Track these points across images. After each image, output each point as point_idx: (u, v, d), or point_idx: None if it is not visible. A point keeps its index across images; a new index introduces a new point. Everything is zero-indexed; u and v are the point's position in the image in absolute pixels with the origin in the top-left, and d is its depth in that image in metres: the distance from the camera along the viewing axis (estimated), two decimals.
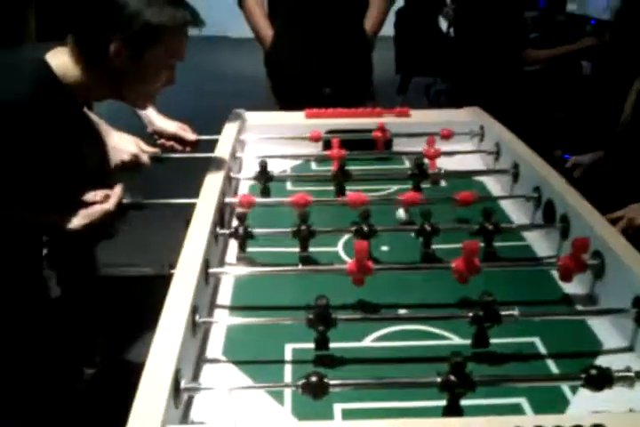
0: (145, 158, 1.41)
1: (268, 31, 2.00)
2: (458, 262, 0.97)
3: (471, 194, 1.22)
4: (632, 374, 0.76)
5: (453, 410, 0.74)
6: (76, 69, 1.08)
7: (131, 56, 1.06)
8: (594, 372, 0.76)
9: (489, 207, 1.15)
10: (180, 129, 1.53)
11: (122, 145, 1.39)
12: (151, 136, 1.54)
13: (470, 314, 0.86)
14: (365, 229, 1.10)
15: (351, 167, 1.39)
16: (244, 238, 1.11)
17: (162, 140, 1.51)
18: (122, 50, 1.05)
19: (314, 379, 0.74)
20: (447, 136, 1.58)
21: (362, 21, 2.00)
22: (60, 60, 1.07)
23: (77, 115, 1.17)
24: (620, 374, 0.76)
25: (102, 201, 1.14)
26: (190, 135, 1.53)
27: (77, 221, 1.11)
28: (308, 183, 1.43)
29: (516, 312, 0.87)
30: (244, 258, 1.12)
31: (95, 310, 1.76)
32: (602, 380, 0.75)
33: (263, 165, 1.35)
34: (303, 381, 0.75)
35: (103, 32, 1.04)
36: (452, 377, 0.73)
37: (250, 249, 1.13)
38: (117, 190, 1.16)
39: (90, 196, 1.16)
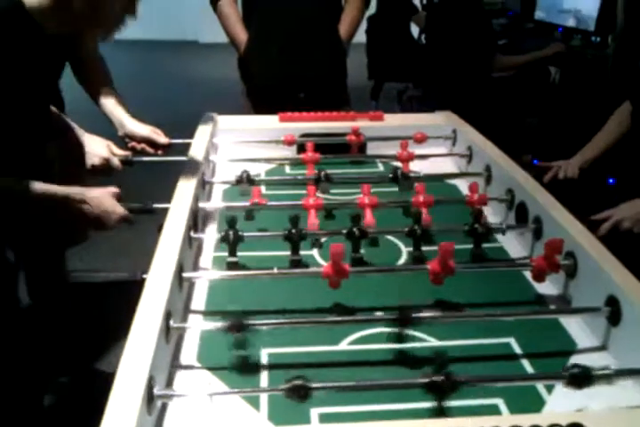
0: (116, 162, 1.38)
1: (242, 35, 1.99)
2: (433, 264, 0.97)
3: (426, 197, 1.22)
4: (611, 371, 0.76)
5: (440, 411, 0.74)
6: None
7: None
8: (575, 371, 0.76)
9: (477, 209, 1.16)
10: (152, 132, 1.50)
11: (93, 148, 1.37)
12: (122, 139, 1.51)
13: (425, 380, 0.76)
14: (357, 231, 1.09)
15: (333, 171, 1.38)
16: (235, 243, 1.09)
17: (133, 144, 1.49)
18: None
19: (298, 382, 0.73)
20: (421, 140, 1.59)
21: (336, 26, 2.00)
22: None
23: (45, 45, 1.13)
24: (600, 372, 0.76)
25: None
26: (162, 138, 1.51)
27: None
28: (283, 186, 1.42)
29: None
30: (234, 262, 1.10)
31: (65, 317, 1.72)
32: (583, 378, 0.75)
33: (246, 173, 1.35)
34: (287, 385, 0.73)
35: None
36: (439, 378, 0.73)
37: (242, 253, 1.11)
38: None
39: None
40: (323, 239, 1.14)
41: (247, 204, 1.27)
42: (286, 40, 1.94)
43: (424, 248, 1.11)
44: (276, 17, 1.95)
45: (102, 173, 1.37)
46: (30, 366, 1.53)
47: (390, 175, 1.38)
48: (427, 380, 0.73)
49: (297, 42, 1.94)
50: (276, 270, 1.00)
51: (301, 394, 0.73)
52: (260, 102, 2.00)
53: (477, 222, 1.12)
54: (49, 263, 1.76)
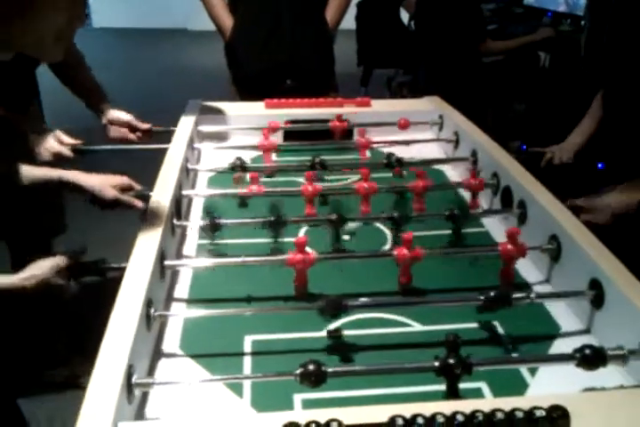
0: (67, 152, 1.34)
1: (227, 21, 1.96)
2: (399, 250, 0.97)
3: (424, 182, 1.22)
4: (625, 351, 0.76)
5: (453, 393, 0.74)
6: None
7: None
8: (588, 351, 0.76)
9: (457, 195, 1.16)
10: (133, 118, 1.50)
11: (41, 144, 1.31)
12: (104, 127, 1.50)
13: (436, 364, 0.77)
14: (334, 217, 1.09)
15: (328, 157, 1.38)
16: (214, 230, 1.09)
17: (114, 128, 1.48)
18: None
19: (312, 367, 0.73)
20: (404, 126, 1.58)
21: (323, 13, 1.98)
22: None
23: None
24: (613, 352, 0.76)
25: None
26: (143, 124, 1.50)
27: (19, 275, 0.92)
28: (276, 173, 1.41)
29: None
30: (213, 250, 1.10)
31: (50, 308, 1.71)
32: (597, 359, 0.76)
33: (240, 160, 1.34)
34: (301, 370, 0.73)
35: None
36: (452, 360, 0.73)
37: (220, 241, 1.11)
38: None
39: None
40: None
41: (232, 191, 1.26)
42: (272, 27, 1.91)
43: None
44: (262, 3, 1.92)
45: (57, 165, 1.33)
46: (18, 359, 1.52)
47: (385, 161, 1.38)
48: (434, 364, 0.74)
49: (283, 28, 1.91)
50: (243, 258, 0.99)
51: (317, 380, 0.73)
52: (247, 90, 1.98)
53: (457, 208, 1.12)
54: (36, 252, 1.75)
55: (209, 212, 1.10)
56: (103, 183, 1.13)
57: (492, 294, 0.87)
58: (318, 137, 1.56)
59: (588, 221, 1.15)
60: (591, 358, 0.76)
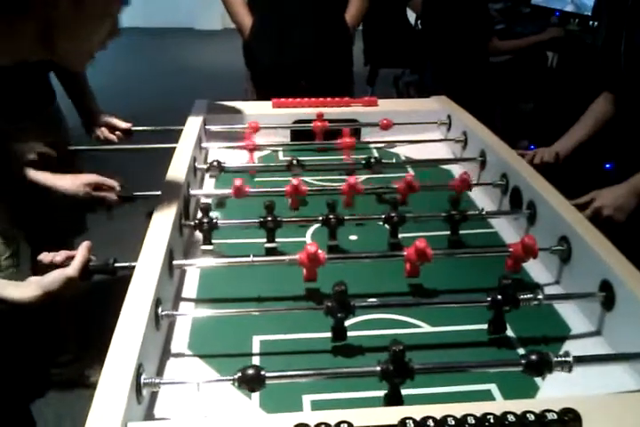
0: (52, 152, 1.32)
1: (246, 19, 1.93)
2: (409, 251, 0.97)
3: (412, 182, 1.21)
4: (570, 359, 0.75)
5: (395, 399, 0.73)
6: None
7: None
8: (533, 358, 0.75)
9: (455, 195, 1.15)
10: (112, 117, 1.54)
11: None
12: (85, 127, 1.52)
13: (489, 298, 0.85)
14: (332, 218, 1.08)
15: (316, 157, 1.38)
16: (210, 230, 1.09)
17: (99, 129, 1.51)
18: None
19: (250, 371, 0.72)
20: (386, 127, 1.57)
21: (342, 13, 1.95)
22: None
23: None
24: (559, 359, 0.75)
25: (63, 264, 0.93)
26: (123, 123, 1.53)
27: (31, 292, 0.89)
28: (274, 173, 1.41)
29: (540, 296, 0.87)
30: (209, 251, 1.10)
31: (58, 308, 1.72)
32: (541, 365, 0.75)
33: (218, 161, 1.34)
34: (239, 374, 0.72)
35: None
36: (391, 366, 0.72)
37: (219, 241, 1.11)
38: (82, 251, 0.93)
39: (47, 257, 0.94)
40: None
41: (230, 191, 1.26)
42: (291, 26, 1.88)
43: (405, 235, 1.11)
44: (281, 2, 1.89)
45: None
46: (26, 358, 1.52)
47: (363, 162, 1.37)
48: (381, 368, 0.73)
49: (302, 28, 1.89)
50: (252, 258, 0.99)
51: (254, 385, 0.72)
52: (264, 88, 1.95)
53: (455, 209, 1.11)
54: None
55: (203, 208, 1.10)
56: (74, 182, 1.14)
57: (498, 296, 0.86)
58: (327, 137, 1.55)
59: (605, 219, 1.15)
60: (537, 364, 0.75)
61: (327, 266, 0.97)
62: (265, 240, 1.09)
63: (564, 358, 0.75)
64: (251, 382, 0.72)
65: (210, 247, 1.09)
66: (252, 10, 1.95)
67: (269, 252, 1.08)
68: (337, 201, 1.12)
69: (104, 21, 0.87)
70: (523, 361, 0.75)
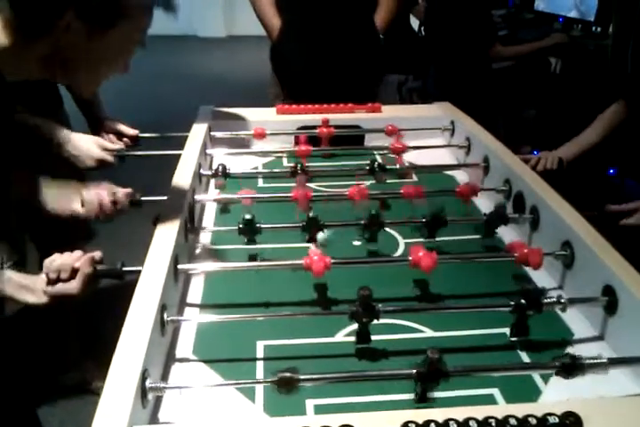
0: (110, 158, 1.37)
1: (275, 20, 1.90)
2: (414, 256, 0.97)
3: (417, 188, 1.22)
4: (604, 360, 0.76)
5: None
6: (6, 38, 0.81)
7: (88, 32, 0.82)
8: (567, 360, 0.75)
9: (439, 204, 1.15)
10: (120, 124, 1.55)
11: (82, 149, 1.34)
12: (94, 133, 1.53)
13: (512, 303, 0.87)
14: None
15: (320, 163, 1.39)
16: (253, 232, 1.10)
17: (108, 136, 1.52)
18: (75, 24, 0.80)
19: (287, 375, 0.73)
20: (391, 133, 1.57)
21: (372, 18, 1.93)
22: None
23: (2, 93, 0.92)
24: (592, 361, 0.76)
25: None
26: (130, 130, 1.54)
27: (36, 297, 0.90)
28: (280, 180, 1.42)
29: (563, 300, 0.88)
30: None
31: (63, 313, 1.73)
32: (574, 368, 0.75)
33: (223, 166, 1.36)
34: (275, 377, 0.73)
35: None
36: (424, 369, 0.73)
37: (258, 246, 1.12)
38: (85, 264, 0.91)
39: (59, 258, 0.92)
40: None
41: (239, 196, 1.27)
42: (320, 28, 1.86)
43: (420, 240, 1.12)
44: (310, 5, 1.87)
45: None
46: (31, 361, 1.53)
47: (367, 167, 1.38)
48: (415, 370, 0.73)
49: (332, 32, 1.86)
50: (258, 262, 0.99)
51: (289, 388, 0.73)
52: (294, 92, 1.93)
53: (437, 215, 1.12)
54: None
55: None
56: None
57: (522, 301, 0.87)
58: (333, 143, 1.57)
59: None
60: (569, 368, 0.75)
61: (334, 271, 0.97)
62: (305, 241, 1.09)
63: (597, 361, 0.76)
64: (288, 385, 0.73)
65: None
66: (280, 11, 1.91)
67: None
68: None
69: (119, 57, 0.91)
70: (556, 363, 0.76)
